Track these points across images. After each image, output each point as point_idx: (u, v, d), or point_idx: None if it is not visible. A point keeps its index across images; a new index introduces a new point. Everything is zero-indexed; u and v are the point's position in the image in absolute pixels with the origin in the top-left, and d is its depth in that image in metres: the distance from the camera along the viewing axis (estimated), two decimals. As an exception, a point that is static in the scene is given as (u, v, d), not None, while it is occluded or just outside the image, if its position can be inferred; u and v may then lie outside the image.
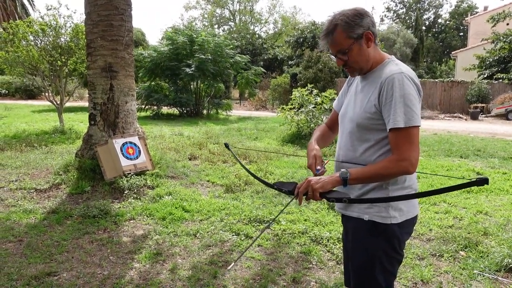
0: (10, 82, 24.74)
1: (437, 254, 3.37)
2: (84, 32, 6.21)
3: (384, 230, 1.64)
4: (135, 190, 4.89)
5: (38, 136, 9.07)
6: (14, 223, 3.99)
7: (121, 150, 5.22)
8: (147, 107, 15.93)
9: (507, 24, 22.01)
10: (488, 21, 22.46)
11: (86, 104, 19.99)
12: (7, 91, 25.35)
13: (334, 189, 1.60)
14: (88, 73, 5.67)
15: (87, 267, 3.12)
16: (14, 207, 4.44)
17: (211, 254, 3.37)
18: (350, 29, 1.62)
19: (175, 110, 16.65)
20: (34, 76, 10.82)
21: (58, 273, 3.02)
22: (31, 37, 9.84)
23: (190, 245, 3.54)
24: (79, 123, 12.13)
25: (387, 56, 1.72)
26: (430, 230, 3.89)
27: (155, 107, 15.84)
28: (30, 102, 22.45)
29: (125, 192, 4.82)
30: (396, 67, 1.62)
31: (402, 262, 3.17)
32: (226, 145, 2.21)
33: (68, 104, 14.51)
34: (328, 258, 3.32)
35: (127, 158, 5.22)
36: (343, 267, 2.03)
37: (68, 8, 27.49)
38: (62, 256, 3.29)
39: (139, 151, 5.37)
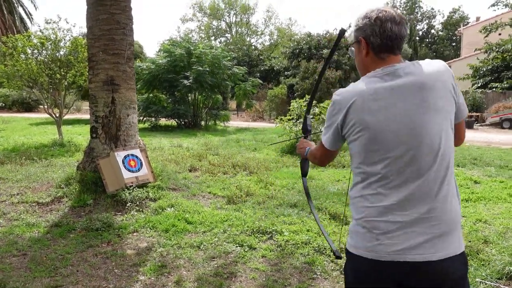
0: (7, 95, 24.71)
1: (439, 263, 3.40)
2: (84, 46, 6.29)
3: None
4: (138, 203, 4.91)
5: (37, 149, 9.07)
6: (17, 237, 3.99)
7: (123, 163, 5.25)
8: (145, 119, 15.98)
9: (499, 34, 22.32)
10: (480, 31, 22.79)
11: (83, 116, 20.06)
12: (4, 104, 25.31)
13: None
14: (89, 87, 5.72)
15: (93, 281, 3.14)
16: (16, 220, 4.44)
17: (215, 265, 3.39)
18: (354, 28, 1.55)
19: (173, 122, 16.71)
20: (32, 89, 10.86)
21: (64, 286, 3.03)
22: (29, 51, 9.91)
23: (194, 257, 3.56)
24: (78, 135, 12.14)
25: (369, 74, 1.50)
26: (431, 239, 3.93)
27: (153, 119, 15.89)
28: (27, 115, 22.41)
29: (128, 205, 4.84)
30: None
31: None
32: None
33: (65, 117, 14.50)
34: (332, 268, 3.35)
35: (129, 170, 5.26)
36: None
37: (67, 22, 27.63)
38: (67, 270, 3.30)
39: (141, 164, 5.41)
